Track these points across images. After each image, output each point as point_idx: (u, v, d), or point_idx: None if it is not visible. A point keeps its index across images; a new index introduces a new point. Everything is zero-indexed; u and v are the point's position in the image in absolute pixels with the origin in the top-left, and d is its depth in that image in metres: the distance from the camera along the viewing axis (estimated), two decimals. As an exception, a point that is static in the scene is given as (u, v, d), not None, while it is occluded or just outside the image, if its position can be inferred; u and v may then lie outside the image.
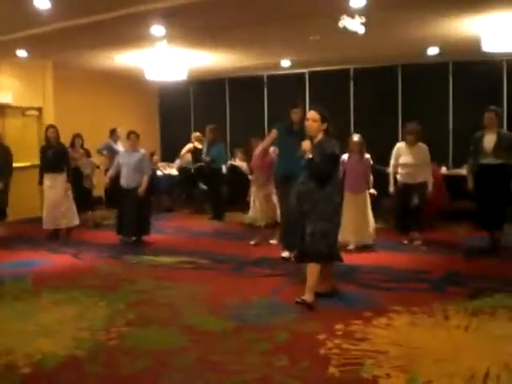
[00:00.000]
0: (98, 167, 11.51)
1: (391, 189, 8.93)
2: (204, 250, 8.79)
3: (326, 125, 5.88)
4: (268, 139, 8.24)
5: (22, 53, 10.99)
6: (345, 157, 8.60)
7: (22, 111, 12.29)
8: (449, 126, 12.46)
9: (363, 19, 7.97)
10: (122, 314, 5.67)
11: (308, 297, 5.79)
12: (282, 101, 13.67)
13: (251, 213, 9.27)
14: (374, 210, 8.91)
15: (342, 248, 7.14)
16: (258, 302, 6.05)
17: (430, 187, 8.77)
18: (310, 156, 5.80)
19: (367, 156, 8.85)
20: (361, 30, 8.11)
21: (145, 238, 9.38)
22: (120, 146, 11.81)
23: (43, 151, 10.03)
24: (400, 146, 9.03)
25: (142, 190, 9.17)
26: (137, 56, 11.87)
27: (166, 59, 10.72)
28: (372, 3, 7.59)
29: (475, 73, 11.88)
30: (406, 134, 8.92)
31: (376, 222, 9.01)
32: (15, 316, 5.73)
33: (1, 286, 6.92)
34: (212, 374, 4.25)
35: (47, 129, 10.13)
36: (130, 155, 9.45)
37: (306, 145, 5.88)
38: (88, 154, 11.07)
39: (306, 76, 14.04)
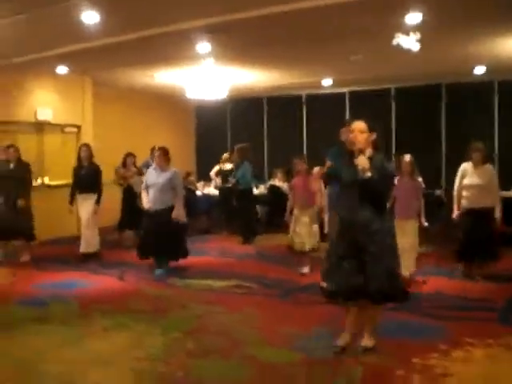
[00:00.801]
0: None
1: (455, 214, 8.12)
2: (250, 273, 8.47)
3: (374, 136, 4.99)
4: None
5: (62, 69, 10.88)
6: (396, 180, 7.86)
7: (60, 128, 12.15)
8: (494, 149, 12.07)
9: (418, 36, 7.75)
10: (180, 343, 5.37)
11: (371, 341, 5.16)
12: (322, 120, 13.63)
13: (297, 238, 8.44)
14: (421, 233, 8.45)
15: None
16: (317, 331, 5.69)
17: (498, 213, 7.87)
18: (370, 174, 4.80)
19: (419, 179, 8.08)
20: (415, 47, 7.90)
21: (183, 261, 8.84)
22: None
23: (76, 171, 9.71)
24: (465, 166, 8.10)
25: (176, 214, 8.35)
26: (177, 74, 11.73)
27: (208, 78, 10.58)
28: (427, 20, 7.39)
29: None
30: (472, 152, 8.02)
31: (424, 246, 8.60)
32: (65, 343, 5.45)
33: (45, 308, 6.66)
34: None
35: (80, 147, 9.84)
36: (158, 174, 8.48)
37: (364, 161, 4.82)
38: (140, 173, 10.78)
39: (346, 95, 13.78)
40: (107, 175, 10.69)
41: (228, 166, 12.34)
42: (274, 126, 14.85)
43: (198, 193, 12.81)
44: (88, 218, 9.43)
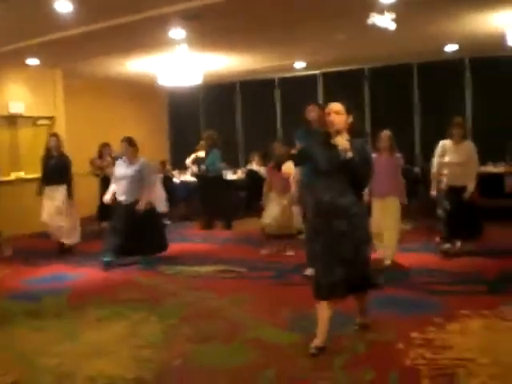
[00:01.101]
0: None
1: (433, 192, 8.01)
2: (236, 257, 8.47)
3: (351, 118, 4.71)
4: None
5: (33, 61, 10.73)
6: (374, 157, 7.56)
7: (33, 121, 11.96)
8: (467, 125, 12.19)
9: (393, 15, 7.77)
10: (178, 330, 5.35)
11: (366, 319, 5.14)
12: (295, 103, 13.59)
13: (268, 219, 8.55)
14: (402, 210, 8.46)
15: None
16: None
17: (472, 187, 7.72)
18: (351, 155, 4.50)
19: (398, 155, 7.64)
20: (391, 26, 7.91)
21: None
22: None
23: (44, 161, 9.33)
24: (445, 143, 7.89)
25: (141, 204, 8.02)
26: (149, 62, 11.60)
27: (182, 64, 10.47)
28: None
29: (495, 69, 11.69)
30: (453, 128, 7.79)
31: (406, 223, 8.67)
32: (62, 335, 5.38)
33: (37, 302, 6.57)
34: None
35: (49, 137, 9.48)
36: (126, 166, 8.19)
37: (344, 141, 4.52)
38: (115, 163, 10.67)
39: (319, 77, 13.79)
40: (82, 166, 10.61)
41: (202, 154, 12.21)
42: (247, 111, 14.81)
43: (176, 180, 12.73)
44: (54, 211, 9.05)
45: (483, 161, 10.37)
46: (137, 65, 11.89)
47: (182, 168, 13.59)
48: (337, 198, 4.58)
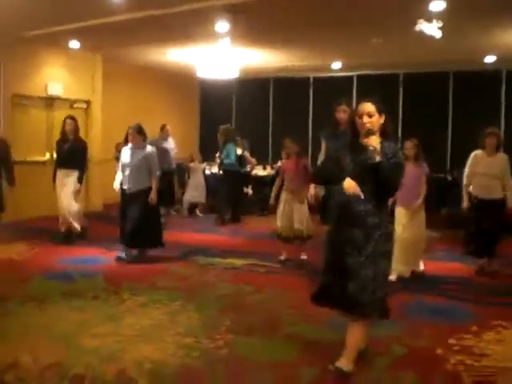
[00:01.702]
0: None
1: (465, 204, 7.63)
2: (269, 252, 8.45)
3: (383, 120, 4.31)
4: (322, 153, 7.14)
5: (74, 44, 10.84)
6: None
7: (70, 103, 12.09)
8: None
9: (440, 23, 7.81)
10: (218, 321, 5.42)
11: (347, 363, 4.30)
12: (328, 103, 13.62)
13: (281, 222, 8.08)
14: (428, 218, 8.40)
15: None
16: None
17: (510, 203, 7.37)
18: (379, 158, 4.13)
19: (423, 164, 7.37)
20: (438, 34, 7.95)
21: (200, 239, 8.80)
22: (171, 144, 11.65)
23: (58, 145, 9.08)
24: (477, 153, 7.57)
25: (153, 195, 7.83)
26: (189, 52, 11.68)
27: (221, 57, 10.55)
28: (450, 9, 7.46)
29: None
30: (486, 138, 7.45)
31: (435, 232, 8.66)
32: (101, 317, 5.49)
33: (73, 283, 6.72)
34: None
35: (65, 120, 9.05)
36: (132, 153, 7.94)
37: (375, 141, 4.18)
38: None
39: (354, 79, 13.83)
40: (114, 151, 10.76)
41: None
42: (280, 108, 14.86)
43: (207, 172, 12.83)
44: (65, 196, 8.86)
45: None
46: (177, 55, 11.99)
47: (210, 160, 13.69)
48: (355, 203, 4.18)
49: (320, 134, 7.35)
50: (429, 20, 7.77)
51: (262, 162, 13.50)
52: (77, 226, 9.02)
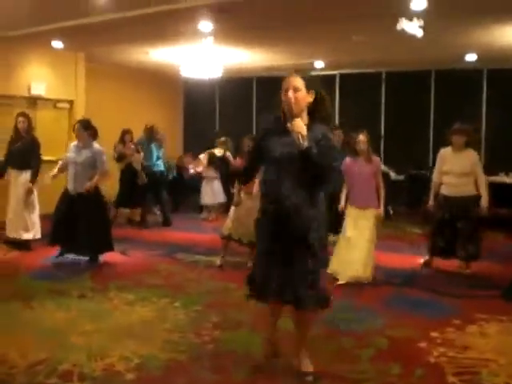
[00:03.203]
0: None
1: (430, 202, 7.50)
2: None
3: (313, 99, 3.89)
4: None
5: (57, 44, 10.80)
6: (348, 162, 6.86)
7: (53, 103, 12.08)
8: (481, 136, 12.34)
9: (421, 22, 7.89)
10: (204, 317, 5.48)
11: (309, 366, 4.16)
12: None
13: (233, 224, 7.46)
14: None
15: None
16: (337, 305, 5.85)
17: (484, 202, 7.17)
18: (306, 144, 3.70)
19: (376, 158, 6.99)
20: (419, 33, 8.03)
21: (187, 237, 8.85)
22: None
23: (10, 143, 8.54)
24: (445, 151, 7.43)
25: (89, 184, 7.32)
26: (172, 52, 11.70)
27: (205, 56, 10.60)
28: (431, 8, 7.54)
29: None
30: (453, 135, 7.27)
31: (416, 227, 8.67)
32: (89, 316, 5.51)
33: (60, 281, 6.74)
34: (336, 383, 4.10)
35: (16, 117, 8.49)
36: (77, 151, 7.50)
37: (301, 126, 3.72)
38: (137, 150, 10.75)
39: (337, 78, 13.91)
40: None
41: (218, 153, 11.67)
42: (263, 107, 14.88)
43: (191, 171, 12.88)
44: (15, 199, 8.35)
45: (495, 171, 10.58)
46: (160, 54, 11.99)
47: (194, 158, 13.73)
48: (287, 195, 3.83)
49: (261, 120, 7.06)
50: (410, 19, 7.85)
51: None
52: (18, 234, 8.34)
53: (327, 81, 13.82)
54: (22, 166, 8.34)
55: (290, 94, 3.80)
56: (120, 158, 10.63)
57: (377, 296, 6.28)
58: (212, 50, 10.31)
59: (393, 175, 11.67)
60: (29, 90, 11.40)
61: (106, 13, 8.50)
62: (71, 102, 12.30)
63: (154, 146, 10.99)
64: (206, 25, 8.93)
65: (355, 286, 6.60)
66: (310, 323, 4.30)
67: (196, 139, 14.79)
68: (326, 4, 8.03)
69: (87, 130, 7.53)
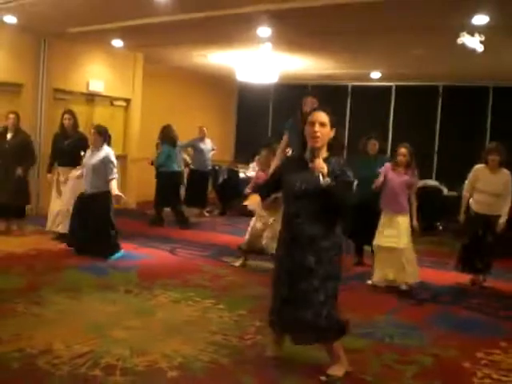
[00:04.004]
0: (187, 165, 11.38)
1: (461, 217, 7.53)
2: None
3: (334, 133, 4.13)
4: (281, 147, 7.10)
5: (117, 42, 11.00)
6: (386, 168, 7.13)
7: (110, 101, 12.32)
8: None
9: (482, 37, 7.80)
10: (248, 321, 5.48)
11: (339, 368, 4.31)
12: (366, 112, 13.69)
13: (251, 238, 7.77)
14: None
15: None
16: (381, 320, 5.82)
17: (503, 219, 7.23)
18: (329, 181, 3.91)
19: (414, 172, 7.11)
20: (479, 48, 7.95)
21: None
22: (209, 145, 11.79)
23: (56, 140, 8.82)
24: (479, 168, 7.43)
25: (114, 195, 7.62)
26: (230, 56, 11.79)
27: (262, 62, 10.66)
28: (493, 23, 7.44)
29: None
30: (488, 154, 7.30)
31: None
32: (134, 311, 5.60)
33: (106, 276, 6.85)
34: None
35: (62, 114, 8.78)
36: (91, 155, 7.88)
37: (322, 165, 3.92)
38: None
39: (393, 89, 13.80)
40: (152, 150, 10.90)
41: None
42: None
43: (242, 175, 12.93)
44: (68, 196, 8.53)
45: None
46: (217, 57, 12.09)
47: (245, 162, 13.81)
48: (305, 225, 4.05)
49: (284, 125, 7.30)
50: (471, 33, 7.77)
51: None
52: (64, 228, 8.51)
53: (382, 92, 13.76)
54: (71, 164, 8.61)
55: (317, 128, 4.00)
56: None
57: (422, 313, 6.20)
58: (269, 55, 10.36)
59: (445, 191, 11.50)
60: (87, 86, 11.62)
61: (168, 14, 8.62)
62: (128, 101, 12.52)
63: (165, 146, 10.65)
64: (264, 30, 8.98)
65: (403, 303, 6.56)
66: (332, 349, 4.31)
67: (247, 144, 14.84)
68: (386, 15, 8.00)
69: (101, 135, 7.83)
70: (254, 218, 7.79)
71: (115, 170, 7.80)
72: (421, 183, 10.65)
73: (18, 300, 5.62)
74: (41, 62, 10.75)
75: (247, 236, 7.80)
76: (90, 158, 7.82)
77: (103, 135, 7.87)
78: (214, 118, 14.92)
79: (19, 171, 8.52)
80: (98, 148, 7.81)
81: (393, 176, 7.01)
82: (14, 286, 6.11)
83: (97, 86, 11.74)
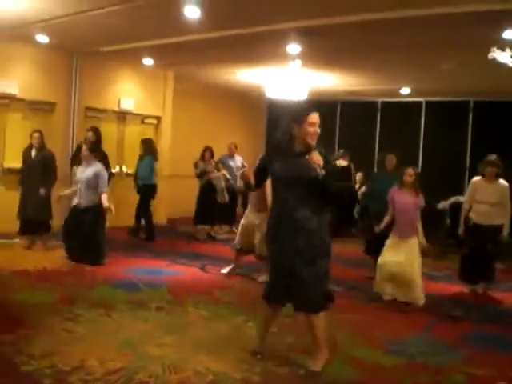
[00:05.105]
0: (228, 181, 11.41)
1: (460, 230, 7.82)
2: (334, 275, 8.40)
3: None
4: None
5: (148, 61, 11.13)
6: (394, 192, 7.26)
7: (141, 119, 12.43)
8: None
9: (514, 52, 7.76)
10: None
11: (319, 363, 4.74)
12: (396, 128, 13.65)
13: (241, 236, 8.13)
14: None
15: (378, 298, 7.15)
16: (414, 337, 5.77)
17: (505, 231, 7.57)
18: (323, 173, 4.28)
19: (420, 194, 7.18)
20: (510, 62, 7.91)
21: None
22: (238, 161, 11.84)
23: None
24: (477, 180, 7.75)
25: (107, 207, 8.05)
26: (259, 73, 11.85)
27: (291, 78, 10.70)
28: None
29: None
30: (486, 166, 7.62)
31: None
32: (165, 328, 5.60)
33: (138, 292, 6.89)
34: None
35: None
36: (83, 169, 8.30)
37: (318, 158, 4.30)
38: (218, 168, 10.97)
39: (423, 105, 13.74)
40: (183, 167, 10.95)
41: None
42: (346, 131, 14.87)
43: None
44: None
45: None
46: (247, 75, 12.17)
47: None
48: (293, 210, 4.45)
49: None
50: (502, 48, 7.73)
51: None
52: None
53: (412, 108, 13.70)
54: None
55: (317, 129, 4.50)
56: (201, 174, 10.82)
57: (455, 331, 6.12)
58: (298, 72, 10.39)
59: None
60: (118, 104, 11.76)
61: (197, 33, 8.71)
62: (158, 119, 12.63)
63: (148, 159, 10.78)
64: (293, 47, 9.03)
65: (436, 320, 6.51)
66: (316, 326, 4.70)
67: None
68: (416, 31, 8.00)
69: (92, 152, 8.28)
70: (258, 222, 7.78)
71: (106, 184, 8.23)
72: (452, 199, 10.63)
73: (51, 316, 5.68)
74: (73, 81, 10.96)
75: (237, 236, 8.18)
76: (83, 172, 8.22)
77: (94, 152, 8.30)
78: (244, 134, 14.98)
79: (42, 192, 8.82)
80: (89, 163, 8.21)
81: (401, 197, 7.13)
82: (46, 301, 6.19)
83: (128, 104, 11.89)
